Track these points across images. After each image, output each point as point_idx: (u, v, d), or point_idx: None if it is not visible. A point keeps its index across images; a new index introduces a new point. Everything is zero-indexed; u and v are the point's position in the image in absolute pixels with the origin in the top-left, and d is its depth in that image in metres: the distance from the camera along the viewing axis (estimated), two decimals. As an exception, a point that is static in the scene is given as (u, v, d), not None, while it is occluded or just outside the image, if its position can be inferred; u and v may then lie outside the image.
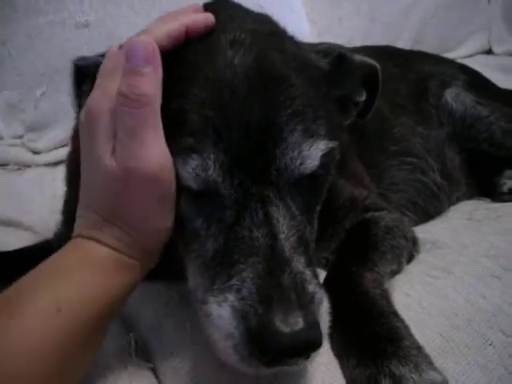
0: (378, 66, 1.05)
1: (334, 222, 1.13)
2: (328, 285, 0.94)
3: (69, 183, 1.23)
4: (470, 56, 2.86)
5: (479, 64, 2.48)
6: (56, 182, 1.76)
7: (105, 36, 1.88)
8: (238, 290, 0.72)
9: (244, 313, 0.70)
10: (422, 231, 1.30)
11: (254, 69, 0.81)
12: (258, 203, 0.77)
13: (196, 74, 0.81)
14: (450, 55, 2.72)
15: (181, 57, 0.83)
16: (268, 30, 0.92)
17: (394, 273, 1.08)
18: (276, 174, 0.78)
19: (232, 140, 0.76)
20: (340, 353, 0.85)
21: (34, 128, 1.94)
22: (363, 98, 1.06)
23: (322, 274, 0.99)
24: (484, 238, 1.26)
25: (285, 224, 0.78)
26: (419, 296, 1.01)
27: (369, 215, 1.18)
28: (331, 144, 0.84)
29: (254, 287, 0.72)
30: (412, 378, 0.75)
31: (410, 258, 1.17)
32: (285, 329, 0.67)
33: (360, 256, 1.02)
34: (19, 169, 1.88)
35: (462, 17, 2.87)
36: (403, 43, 2.62)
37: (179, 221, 0.81)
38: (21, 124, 1.94)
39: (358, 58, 1.02)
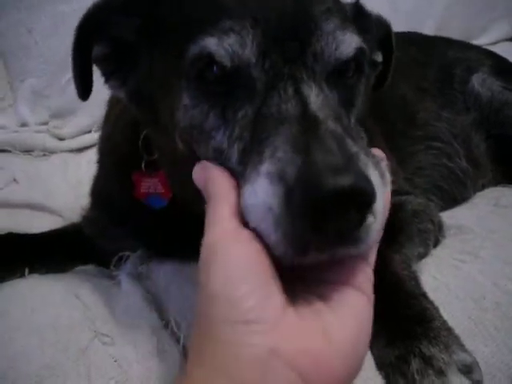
0: (390, 24, 1.03)
1: None
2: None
3: (100, 165, 1.23)
4: (494, 43, 2.83)
5: (503, 51, 2.44)
6: (81, 168, 1.78)
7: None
8: (271, 158, 0.64)
9: (280, 172, 0.61)
10: (448, 216, 1.30)
11: None
12: (288, 81, 0.72)
13: None
14: (473, 42, 2.69)
15: None
16: None
17: (421, 256, 1.08)
18: (312, 58, 0.75)
19: (269, 24, 0.74)
20: (369, 333, 0.85)
21: (59, 114, 1.96)
22: (380, 59, 1.04)
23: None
24: (511, 223, 1.25)
25: (318, 101, 0.71)
26: (447, 279, 1.01)
27: (395, 199, 1.17)
28: (364, 44, 0.82)
29: (289, 147, 0.64)
30: (442, 358, 0.75)
31: (437, 242, 1.17)
32: (330, 174, 0.58)
33: (388, 238, 1.01)
34: (44, 155, 1.90)
35: (485, 4, 2.84)
36: (426, 31, 2.58)
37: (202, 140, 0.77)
38: (46, 111, 1.96)
39: (373, 13, 1.00)
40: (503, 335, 0.89)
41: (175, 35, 0.81)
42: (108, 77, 0.92)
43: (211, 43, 0.73)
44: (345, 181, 0.57)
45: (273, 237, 0.61)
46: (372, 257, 0.71)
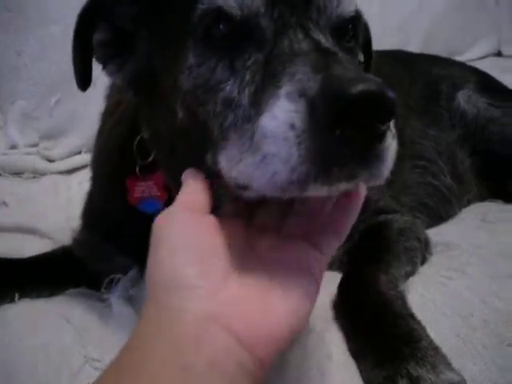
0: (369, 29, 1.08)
1: None
2: (343, 287, 0.96)
3: (93, 180, 1.24)
4: (480, 58, 2.86)
5: (489, 66, 2.49)
6: (72, 190, 1.79)
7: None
8: (289, 81, 0.64)
9: (301, 89, 0.62)
10: (435, 233, 1.31)
11: None
12: (298, 28, 0.74)
13: None
14: (459, 58, 2.72)
15: None
16: None
17: (409, 274, 1.09)
18: (316, 12, 0.77)
19: None
20: (357, 354, 0.85)
21: (48, 136, 1.98)
22: (362, 59, 1.06)
23: (337, 277, 1.00)
24: (497, 238, 1.26)
25: (327, 43, 0.73)
26: (434, 297, 1.01)
27: (382, 217, 1.19)
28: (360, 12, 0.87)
29: (308, 68, 0.64)
30: (430, 378, 0.76)
31: (423, 260, 1.18)
32: (354, 82, 0.58)
33: (374, 258, 1.03)
34: (35, 177, 1.90)
35: (471, 19, 2.88)
36: (413, 47, 2.62)
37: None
38: (36, 132, 1.97)
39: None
40: (491, 353, 0.89)
41: (177, 2, 0.83)
42: (106, 62, 0.94)
43: None
44: (371, 86, 0.58)
45: (295, 157, 0.60)
46: (329, 249, 0.73)
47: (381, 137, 0.61)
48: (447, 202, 1.62)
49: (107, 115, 1.19)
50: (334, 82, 0.59)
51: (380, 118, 0.60)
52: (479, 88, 1.76)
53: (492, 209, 1.57)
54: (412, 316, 0.88)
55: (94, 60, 0.94)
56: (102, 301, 1.16)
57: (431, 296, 1.02)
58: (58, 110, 1.95)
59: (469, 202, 1.69)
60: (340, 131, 0.59)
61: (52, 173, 1.93)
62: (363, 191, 0.74)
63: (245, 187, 0.69)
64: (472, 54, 2.86)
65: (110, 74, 0.95)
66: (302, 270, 0.69)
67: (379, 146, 0.62)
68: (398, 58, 1.86)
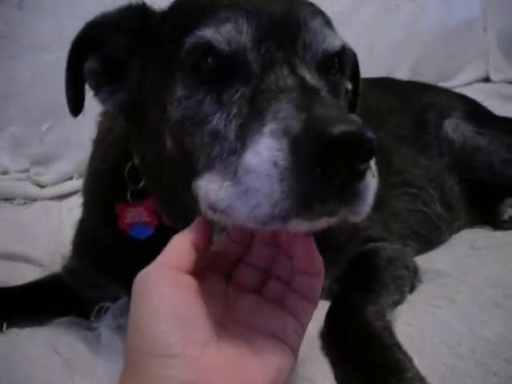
0: (356, 56, 1.12)
1: (336, 248, 1.14)
2: (331, 316, 0.96)
3: (85, 206, 1.24)
4: (469, 84, 2.89)
5: (477, 92, 2.52)
6: (62, 216, 1.78)
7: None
8: (273, 119, 0.66)
9: (285, 127, 0.64)
10: (424, 260, 1.32)
11: None
12: (284, 64, 0.77)
13: None
14: (448, 84, 2.76)
15: None
16: None
17: (397, 303, 1.09)
18: (302, 48, 0.81)
19: (261, 18, 0.80)
20: (344, 383, 0.86)
21: (39, 162, 1.97)
22: (350, 87, 1.08)
23: (325, 305, 1.00)
24: (486, 266, 1.27)
25: (313, 80, 0.76)
26: (422, 326, 1.02)
27: (370, 246, 1.19)
28: (346, 45, 0.90)
29: (291, 107, 0.66)
30: None
31: (412, 288, 1.18)
32: (336, 122, 0.60)
33: (362, 288, 1.03)
34: (25, 203, 1.90)
35: (459, 46, 2.91)
36: (402, 73, 2.65)
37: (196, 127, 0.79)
38: (27, 158, 1.97)
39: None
40: (478, 382, 0.89)
41: (168, 36, 0.87)
42: (98, 90, 0.96)
43: (208, 32, 0.78)
44: (352, 127, 0.60)
45: (277, 193, 0.62)
46: (305, 317, 0.76)
47: (361, 175, 0.63)
48: (438, 229, 1.63)
49: (99, 141, 1.20)
50: (316, 121, 0.61)
51: (360, 157, 0.62)
52: (466, 116, 1.78)
53: (480, 235, 1.59)
54: (398, 346, 0.88)
55: (86, 87, 0.96)
56: (91, 330, 1.16)
57: (419, 325, 1.02)
58: (50, 136, 1.95)
59: (458, 229, 1.71)
60: (321, 169, 0.60)
61: (43, 198, 1.92)
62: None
63: (221, 211, 0.70)
64: (461, 80, 2.89)
65: (102, 101, 0.97)
66: (279, 339, 0.71)
67: (359, 184, 0.64)
68: (387, 86, 1.88)
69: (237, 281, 0.79)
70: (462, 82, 2.86)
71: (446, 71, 2.88)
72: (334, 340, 0.93)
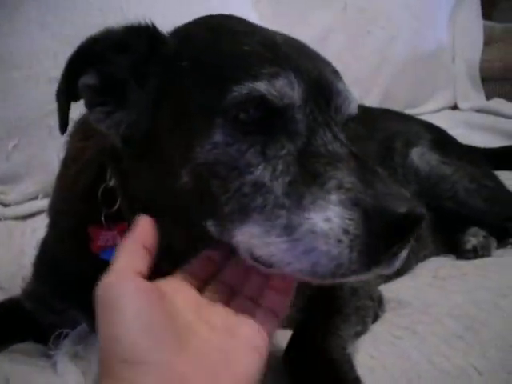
0: None
1: None
2: (292, 350, 0.96)
3: (51, 227, 1.20)
4: (437, 111, 2.95)
5: (445, 120, 2.57)
6: (25, 237, 1.75)
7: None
8: (339, 188, 0.72)
9: (355, 200, 0.71)
10: (388, 290, 1.32)
11: (289, 38, 0.93)
12: (326, 127, 0.81)
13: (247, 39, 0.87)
14: (417, 110, 2.81)
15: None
16: None
17: (359, 334, 1.09)
18: (334, 111, 0.85)
19: (304, 76, 0.83)
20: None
21: (4, 180, 1.93)
22: None
23: (288, 334, 0.99)
24: (448, 296, 1.28)
25: (350, 145, 0.82)
26: (383, 357, 1.02)
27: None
28: None
29: (355, 180, 0.73)
30: None
31: (376, 318, 1.18)
32: (403, 203, 0.70)
33: (324, 320, 1.03)
34: (-13, 222, 1.86)
35: (429, 73, 2.98)
36: (373, 98, 2.69)
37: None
38: (-8, 176, 1.93)
39: None
40: (437, 416, 0.90)
41: (197, 77, 0.85)
42: (92, 108, 0.91)
43: (261, 86, 0.79)
44: (413, 207, 0.70)
45: (345, 257, 0.70)
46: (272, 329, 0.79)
47: (408, 241, 0.74)
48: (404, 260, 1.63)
49: (70, 160, 1.14)
50: (385, 199, 0.70)
51: (414, 231, 0.72)
52: (433, 145, 1.81)
53: (445, 264, 1.60)
54: (358, 380, 0.88)
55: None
56: (48, 357, 1.12)
57: (381, 356, 1.03)
58: (16, 154, 1.91)
59: (425, 257, 1.71)
60: (388, 239, 0.70)
61: (7, 218, 1.88)
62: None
63: (266, 264, 0.76)
64: (429, 107, 2.95)
65: (97, 121, 0.91)
66: (250, 348, 0.73)
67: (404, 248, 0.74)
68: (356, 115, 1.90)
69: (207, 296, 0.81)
70: (430, 109, 2.93)
71: (415, 98, 2.94)
72: (295, 369, 0.93)
